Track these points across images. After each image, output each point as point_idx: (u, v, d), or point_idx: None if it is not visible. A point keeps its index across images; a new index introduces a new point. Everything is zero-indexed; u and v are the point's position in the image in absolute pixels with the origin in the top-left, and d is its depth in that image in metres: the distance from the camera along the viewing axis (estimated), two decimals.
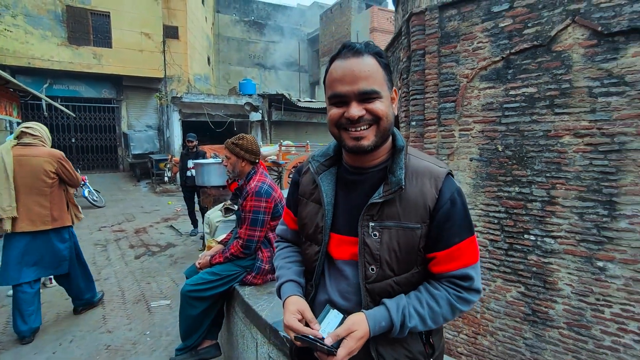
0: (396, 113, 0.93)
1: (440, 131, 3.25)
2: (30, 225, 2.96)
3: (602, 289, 2.60)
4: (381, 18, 16.40)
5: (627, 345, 2.51)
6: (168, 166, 10.59)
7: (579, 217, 2.65)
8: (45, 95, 11.58)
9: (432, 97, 3.26)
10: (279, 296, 1.04)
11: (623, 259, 2.50)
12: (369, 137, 0.85)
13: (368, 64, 0.84)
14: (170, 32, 14.63)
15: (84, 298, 3.63)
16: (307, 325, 0.92)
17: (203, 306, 2.22)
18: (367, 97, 0.83)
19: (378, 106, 0.84)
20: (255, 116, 13.81)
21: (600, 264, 2.60)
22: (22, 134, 3.01)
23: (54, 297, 4.14)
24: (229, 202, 4.52)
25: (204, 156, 6.39)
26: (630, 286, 2.49)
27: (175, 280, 4.56)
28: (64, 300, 4.06)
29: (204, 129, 13.05)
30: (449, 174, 0.92)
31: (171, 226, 7.56)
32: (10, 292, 4.15)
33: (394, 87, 0.92)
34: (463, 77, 3.07)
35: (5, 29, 11.48)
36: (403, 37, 3.60)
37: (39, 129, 3.08)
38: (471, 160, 3.12)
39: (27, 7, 11.84)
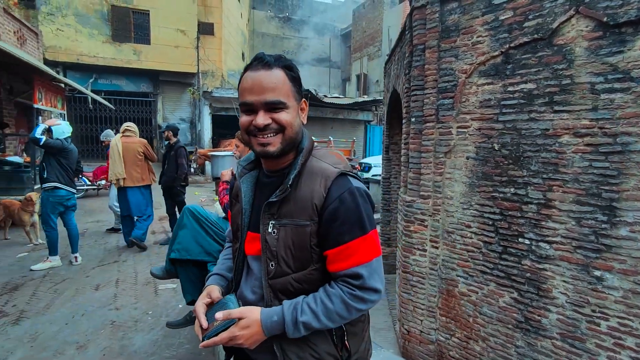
0: (304, 122, 0.99)
1: (438, 128, 3.16)
2: (131, 183, 5.23)
3: (599, 300, 2.42)
4: None
5: None
6: (193, 158, 11.02)
7: (576, 222, 2.48)
8: (91, 89, 12.46)
9: (431, 93, 3.17)
10: None
11: (622, 269, 2.32)
12: (275, 143, 0.90)
13: (275, 77, 0.89)
14: (206, 29, 15.11)
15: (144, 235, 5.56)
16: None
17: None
18: (273, 107, 0.89)
19: (283, 116, 0.89)
20: None
21: (597, 273, 2.42)
22: (125, 130, 5.42)
23: (76, 274, 4.51)
24: None
25: (177, 150, 5.55)
26: (629, 299, 2.30)
27: None
28: (85, 278, 4.42)
29: (233, 123, 13.44)
30: (344, 174, 0.93)
31: None
32: (35, 267, 4.60)
33: (302, 99, 0.97)
34: (462, 73, 2.96)
35: (57, 29, 12.44)
36: (407, 32, 3.52)
37: (133, 126, 5.54)
38: (467, 159, 3.00)
39: (77, 7, 12.73)
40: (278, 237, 0.92)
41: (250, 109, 0.90)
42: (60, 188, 4.41)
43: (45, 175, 4.32)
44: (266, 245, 0.94)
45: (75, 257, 4.80)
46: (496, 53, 2.74)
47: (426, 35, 3.17)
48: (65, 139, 4.42)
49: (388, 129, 5.53)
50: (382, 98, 15.00)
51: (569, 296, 2.55)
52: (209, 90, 13.25)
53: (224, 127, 14.76)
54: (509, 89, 2.71)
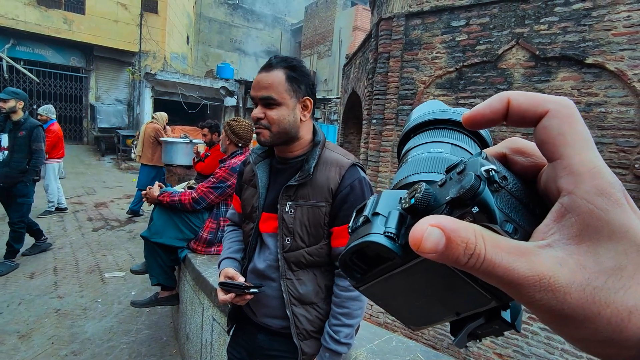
0: (305, 119, 1.11)
1: (397, 131, 3.50)
2: (144, 161, 5.85)
3: None
4: (365, 17, 16.60)
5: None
6: (135, 142, 10.31)
7: None
8: (7, 56, 10.93)
9: (392, 98, 3.51)
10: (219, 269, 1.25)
11: None
12: (264, 135, 1.06)
13: (273, 76, 1.04)
14: (149, 6, 14.06)
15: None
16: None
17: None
18: (266, 102, 1.04)
19: (273, 113, 1.04)
20: (230, 101, 13.71)
21: None
22: (152, 117, 6.24)
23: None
24: (192, 181, 4.60)
25: (32, 130, 3.69)
26: None
27: (132, 254, 4.60)
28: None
29: (177, 109, 12.81)
30: (355, 165, 1.13)
31: None
32: None
33: (305, 97, 1.10)
34: (421, 83, 3.33)
35: None
36: (372, 40, 3.82)
37: (159, 115, 6.18)
38: None
39: None
40: (295, 216, 1.08)
41: (255, 102, 1.07)
42: None
43: None
44: (283, 222, 1.09)
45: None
46: (452, 69, 3.15)
47: (391, 45, 3.49)
48: None
49: (343, 128, 5.84)
50: (330, 97, 15.41)
51: None
52: (152, 72, 12.43)
53: (166, 113, 13.95)
54: (460, 102, 3.14)
